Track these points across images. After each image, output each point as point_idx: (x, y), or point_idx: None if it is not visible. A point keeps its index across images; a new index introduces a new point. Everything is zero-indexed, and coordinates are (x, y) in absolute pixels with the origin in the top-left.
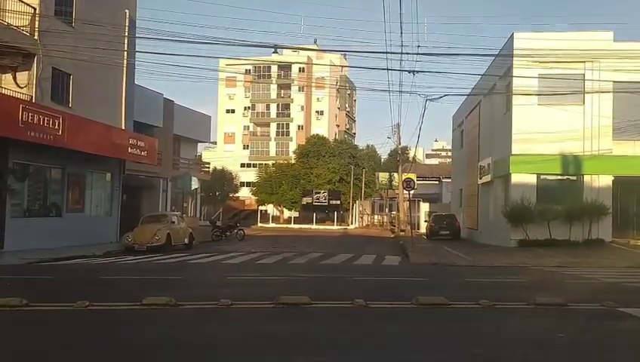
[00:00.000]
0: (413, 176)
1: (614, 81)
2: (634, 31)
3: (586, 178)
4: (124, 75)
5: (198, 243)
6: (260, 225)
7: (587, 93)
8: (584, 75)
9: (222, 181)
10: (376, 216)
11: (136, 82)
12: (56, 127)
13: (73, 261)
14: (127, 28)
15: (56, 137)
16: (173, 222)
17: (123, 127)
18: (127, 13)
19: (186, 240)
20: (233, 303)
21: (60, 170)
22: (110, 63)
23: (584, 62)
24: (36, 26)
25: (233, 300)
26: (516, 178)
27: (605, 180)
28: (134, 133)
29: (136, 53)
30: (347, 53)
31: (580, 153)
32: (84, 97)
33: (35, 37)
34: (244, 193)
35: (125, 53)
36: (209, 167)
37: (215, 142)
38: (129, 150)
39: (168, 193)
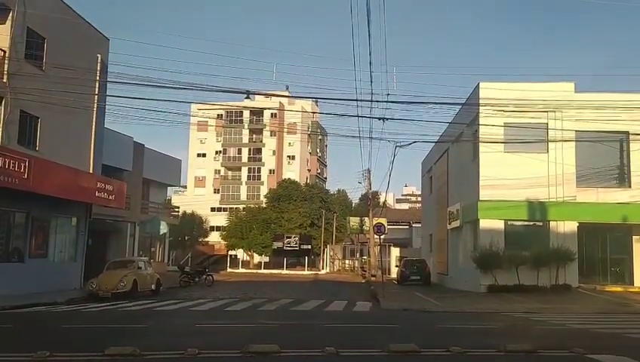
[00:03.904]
0: (383, 220)
1: (576, 131)
2: (594, 81)
3: (552, 224)
4: (94, 119)
5: (166, 289)
6: (229, 270)
7: (551, 141)
8: (547, 124)
9: (191, 225)
10: (347, 261)
11: (106, 125)
12: (22, 170)
13: (34, 309)
14: (98, 72)
15: (21, 181)
16: (140, 268)
17: (91, 171)
18: (99, 58)
19: (153, 287)
20: (200, 352)
21: (24, 214)
22: (80, 107)
23: (547, 111)
24: (5, 68)
25: (200, 349)
26: (484, 223)
27: (570, 226)
28: (103, 176)
29: (107, 97)
30: (318, 99)
31: (545, 199)
32: (53, 141)
33: (4, 80)
34: (214, 238)
35: (96, 97)
36: (178, 211)
37: (185, 186)
38: (96, 194)
39: (136, 237)
